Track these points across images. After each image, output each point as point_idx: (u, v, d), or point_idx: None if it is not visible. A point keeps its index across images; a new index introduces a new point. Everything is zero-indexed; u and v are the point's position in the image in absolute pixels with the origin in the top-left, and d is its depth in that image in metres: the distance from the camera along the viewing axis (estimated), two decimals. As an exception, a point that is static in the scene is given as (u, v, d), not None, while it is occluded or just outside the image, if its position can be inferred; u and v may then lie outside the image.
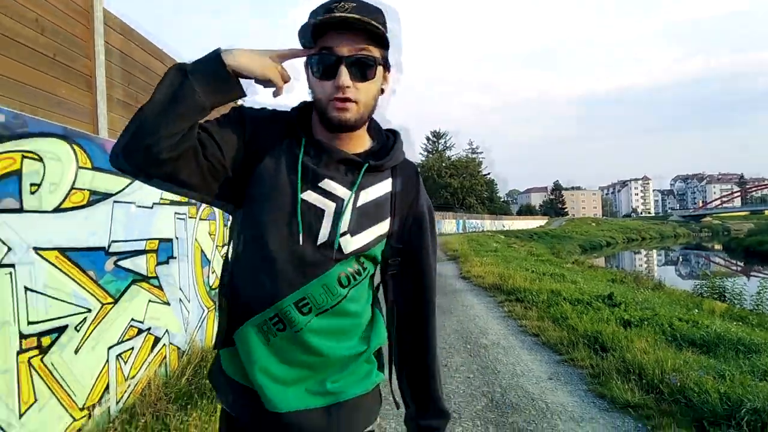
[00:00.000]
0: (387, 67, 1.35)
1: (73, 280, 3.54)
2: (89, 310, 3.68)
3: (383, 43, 1.30)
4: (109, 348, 3.95)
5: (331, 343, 1.35)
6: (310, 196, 1.32)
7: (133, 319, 4.29)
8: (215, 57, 1.21)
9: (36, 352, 3.21)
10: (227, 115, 1.37)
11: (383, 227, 1.38)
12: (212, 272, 6.06)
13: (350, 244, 1.33)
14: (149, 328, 4.55)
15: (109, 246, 3.96)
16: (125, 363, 4.16)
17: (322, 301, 1.32)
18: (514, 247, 30.56)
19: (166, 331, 4.86)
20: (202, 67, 1.20)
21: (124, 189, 4.17)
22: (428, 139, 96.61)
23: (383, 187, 1.39)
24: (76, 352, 3.54)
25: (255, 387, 1.33)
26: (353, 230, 1.34)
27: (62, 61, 3.79)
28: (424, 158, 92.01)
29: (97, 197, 3.81)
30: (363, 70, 1.28)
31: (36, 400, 3.17)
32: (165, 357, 4.82)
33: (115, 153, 1.20)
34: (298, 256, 1.30)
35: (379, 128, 1.48)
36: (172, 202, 5.07)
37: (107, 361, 3.92)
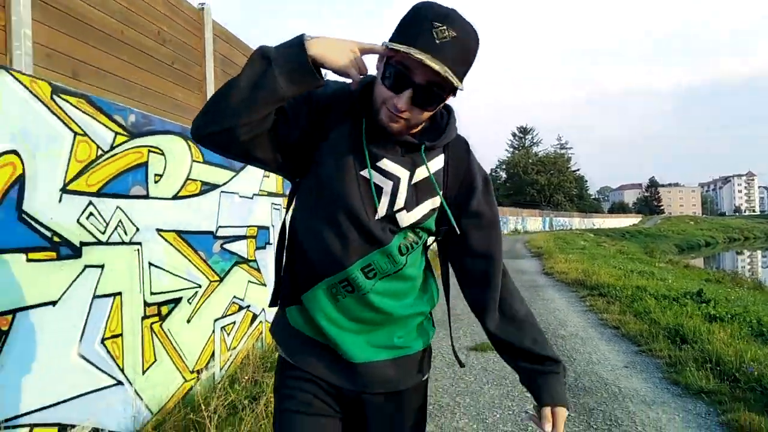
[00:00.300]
0: (454, 93, 1.33)
1: (187, 258, 4.09)
2: (199, 286, 4.22)
3: (463, 75, 1.29)
4: (215, 320, 4.49)
5: (394, 303, 1.49)
6: (366, 172, 1.41)
7: (235, 297, 4.83)
8: (299, 45, 1.21)
9: (156, 318, 3.75)
10: (298, 105, 1.42)
11: (436, 201, 1.46)
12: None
13: (406, 218, 1.43)
14: (248, 306, 5.08)
15: (216, 230, 4.50)
16: (228, 335, 4.69)
17: (385, 267, 1.46)
18: (604, 246, 29.65)
19: (263, 309, 5.39)
20: (286, 56, 1.21)
21: (229, 181, 4.71)
22: (514, 135, 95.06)
23: (436, 164, 1.46)
24: (188, 321, 4.08)
25: (329, 340, 1.48)
26: (408, 206, 1.43)
27: (179, 68, 4.35)
28: (509, 154, 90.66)
29: (207, 187, 4.36)
30: (428, 100, 1.29)
31: (155, 360, 3.72)
32: (261, 332, 5.35)
33: (197, 129, 1.27)
34: (363, 229, 1.41)
35: None
36: (269, 194, 5.60)
37: (213, 332, 4.46)
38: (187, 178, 4.09)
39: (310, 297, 1.47)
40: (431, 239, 1.57)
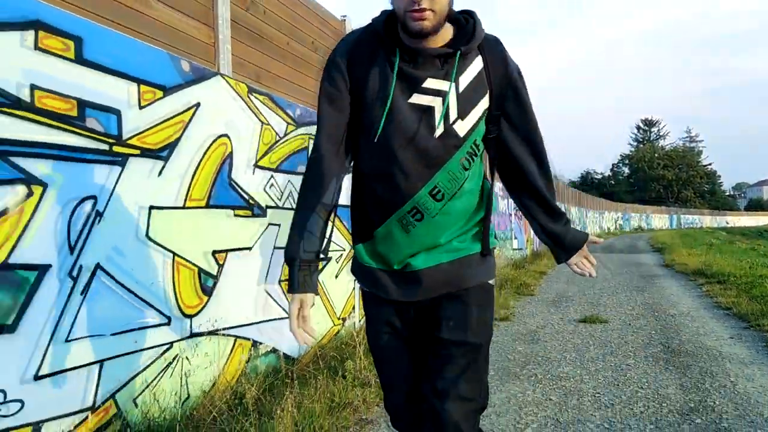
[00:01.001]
0: None
1: (337, 228, 5.02)
2: (344, 250, 5.13)
3: None
4: (354, 280, 5.39)
5: (459, 215, 1.61)
6: (417, 98, 1.50)
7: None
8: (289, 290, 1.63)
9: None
10: (329, 82, 1.59)
11: (485, 102, 1.56)
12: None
13: (463, 127, 1.52)
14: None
15: (355, 205, 5.42)
16: (364, 294, 5.59)
17: (451, 186, 1.55)
18: (736, 244, 27.85)
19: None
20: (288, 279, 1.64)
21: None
22: (638, 128, 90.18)
23: (476, 67, 1.55)
24: (336, 276, 5.00)
25: (396, 264, 1.62)
26: (462, 114, 1.52)
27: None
28: (633, 149, 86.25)
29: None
30: None
31: (313, 304, 4.65)
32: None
33: None
34: (422, 153, 1.51)
35: (455, 14, 1.57)
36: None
37: (353, 289, 5.36)
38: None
39: (383, 232, 1.61)
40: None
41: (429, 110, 1.49)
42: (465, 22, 1.56)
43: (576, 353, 4.95)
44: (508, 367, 4.54)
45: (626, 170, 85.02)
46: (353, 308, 5.33)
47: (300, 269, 1.56)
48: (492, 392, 3.84)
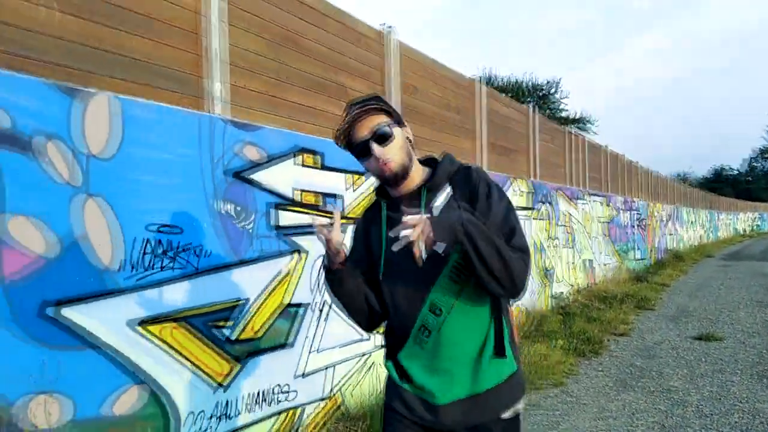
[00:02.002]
0: (401, 124, 1.76)
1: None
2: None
3: (384, 113, 1.71)
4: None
5: (465, 336, 1.74)
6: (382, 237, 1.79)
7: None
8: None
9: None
10: (352, 243, 1.92)
11: None
12: (546, 258, 8.27)
13: (440, 246, 1.63)
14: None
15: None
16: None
17: (446, 300, 1.72)
18: None
19: (518, 295, 7.21)
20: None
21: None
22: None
23: (444, 194, 1.77)
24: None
25: (417, 388, 1.78)
26: None
27: (459, 123, 6.38)
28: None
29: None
30: (382, 138, 1.68)
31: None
32: (514, 315, 7.18)
33: None
34: (414, 278, 1.72)
35: (426, 159, 1.87)
36: (519, 208, 7.41)
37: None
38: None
39: (404, 354, 1.81)
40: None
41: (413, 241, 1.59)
42: (435, 164, 1.83)
43: (687, 369, 5.65)
44: (624, 379, 5.37)
45: (765, 165, 78.24)
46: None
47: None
48: (609, 400, 4.75)
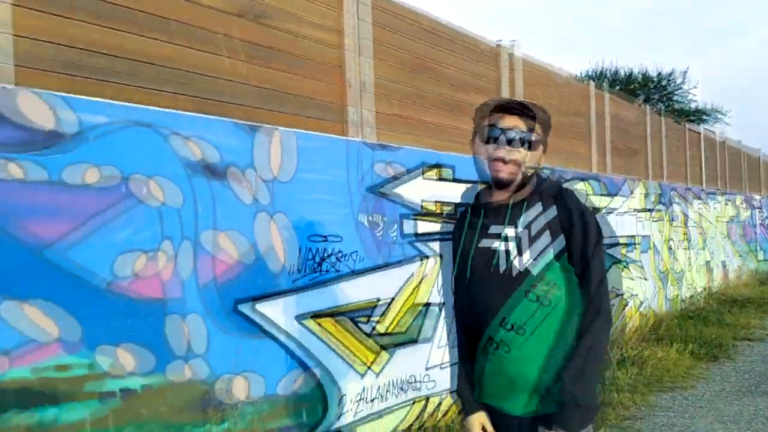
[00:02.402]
0: (537, 145, 1.73)
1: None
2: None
3: (535, 128, 1.72)
4: (602, 301, 6.54)
5: (537, 355, 1.69)
6: (484, 242, 1.76)
7: (612, 289, 6.79)
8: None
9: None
10: (452, 249, 1.91)
11: (545, 240, 1.71)
12: (661, 259, 8.17)
13: (521, 263, 1.68)
14: (621, 294, 6.97)
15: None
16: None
17: (519, 317, 1.69)
18: None
19: (632, 301, 7.22)
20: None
21: (607, 205, 6.70)
22: None
23: (536, 210, 1.74)
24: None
25: (489, 398, 1.80)
26: (521, 252, 1.71)
27: (576, 128, 6.51)
28: None
29: (596, 211, 6.43)
30: (520, 141, 1.68)
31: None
32: (635, 319, 7.20)
33: None
34: (490, 288, 1.73)
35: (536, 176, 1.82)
36: (635, 210, 7.40)
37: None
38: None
39: (476, 360, 1.82)
40: (566, 281, 1.73)
41: (493, 252, 1.72)
42: (527, 181, 1.78)
43: None
44: (744, 385, 5.31)
45: None
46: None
47: (466, 398, 1.86)
48: (729, 404, 4.75)
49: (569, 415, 1.61)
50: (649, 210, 7.85)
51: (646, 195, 7.81)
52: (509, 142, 1.68)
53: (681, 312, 8.23)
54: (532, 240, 1.71)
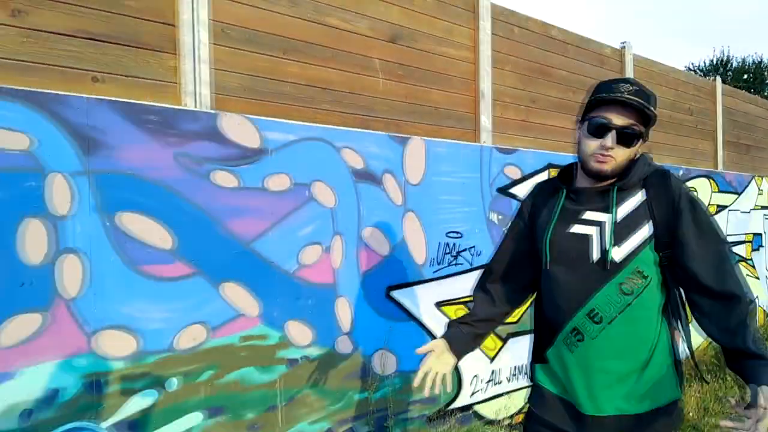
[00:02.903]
0: (644, 139, 1.64)
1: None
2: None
3: (647, 122, 1.61)
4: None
5: (621, 353, 1.61)
6: (576, 228, 1.65)
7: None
8: None
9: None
10: (515, 217, 1.90)
11: (645, 231, 1.61)
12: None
13: (619, 253, 1.59)
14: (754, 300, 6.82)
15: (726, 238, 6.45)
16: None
17: (610, 310, 1.59)
18: None
19: (754, 299, 7.02)
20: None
21: (733, 202, 6.57)
22: None
23: (637, 199, 1.64)
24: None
25: (566, 392, 1.69)
26: (618, 241, 1.60)
27: (694, 125, 6.43)
28: None
29: (720, 209, 6.34)
30: (627, 138, 1.58)
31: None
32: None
33: None
34: (580, 277, 1.63)
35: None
36: (762, 207, 7.16)
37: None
38: (708, 203, 6.17)
39: (553, 352, 1.72)
40: (660, 276, 1.65)
41: (587, 238, 1.64)
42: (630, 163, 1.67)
43: None
44: None
45: None
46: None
47: (448, 328, 1.91)
48: None
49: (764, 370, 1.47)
50: (778, 207, 7.54)
51: (775, 192, 7.52)
52: (619, 139, 1.58)
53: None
54: (631, 230, 1.62)
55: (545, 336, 1.75)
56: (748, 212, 6.92)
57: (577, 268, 1.64)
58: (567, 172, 1.78)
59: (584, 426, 1.65)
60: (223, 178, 2.61)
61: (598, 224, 1.63)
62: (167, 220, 2.43)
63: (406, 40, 3.58)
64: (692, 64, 25.90)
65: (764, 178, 7.35)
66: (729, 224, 6.52)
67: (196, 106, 2.63)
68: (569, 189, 1.71)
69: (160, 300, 2.41)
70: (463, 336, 1.83)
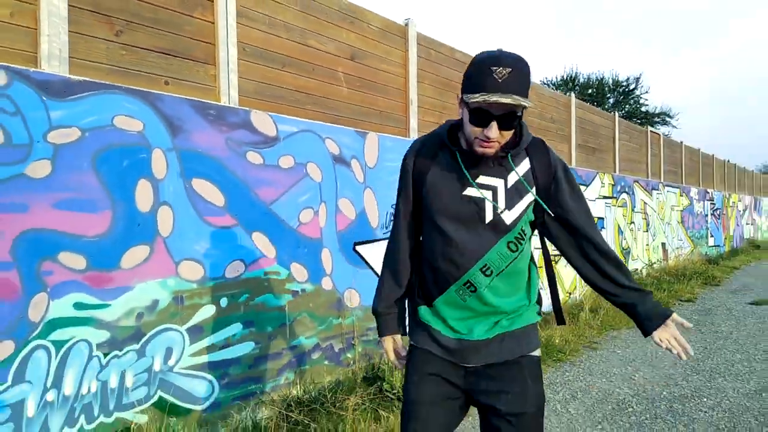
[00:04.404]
0: (524, 109, 1.66)
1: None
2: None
3: (525, 94, 1.63)
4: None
5: (504, 296, 1.82)
6: (470, 192, 1.76)
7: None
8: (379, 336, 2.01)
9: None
10: (401, 178, 1.92)
11: (530, 197, 1.79)
12: (624, 238, 9.94)
13: (509, 216, 1.75)
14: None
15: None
16: (580, 278, 8.41)
17: (499, 264, 1.78)
18: None
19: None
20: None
21: (583, 192, 8.42)
22: None
23: (524, 166, 1.80)
24: (565, 265, 7.91)
25: (455, 331, 1.84)
26: (509, 206, 1.76)
27: (559, 132, 8.17)
28: None
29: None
30: (509, 124, 1.64)
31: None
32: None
33: None
34: (477, 236, 1.76)
35: None
36: (604, 197, 9.14)
37: (575, 276, 8.21)
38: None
39: (443, 299, 1.84)
40: (534, 231, 1.89)
41: (481, 202, 1.74)
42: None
43: (735, 321, 7.28)
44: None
45: None
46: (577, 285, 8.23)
47: (382, 318, 1.98)
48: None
49: (657, 305, 1.81)
50: (614, 197, 9.62)
51: (612, 185, 9.56)
52: (500, 125, 1.62)
53: (640, 280, 10.02)
54: (520, 195, 1.77)
55: (436, 286, 1.84)
56: (594, 200, 8.85)
57: (471, 228, 1.76)
58: (453, 132, 1.83)
59: (470, 351, 1.81)
60: (253, 157, 3.62)
61: (492, 188, 1.76)
62: (220, 185, 3.41)
63: (361, 58, 4.74)
64: (546, 78, 29.45)
65: (605, 174, 9.35)
66: (580, 209, 8.35)
67: (228, 104, 3.61)
68: (462, 151, 1.77)
69: (216, 242, 3.38)
70: (394, 321, 2.00)
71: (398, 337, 1.99)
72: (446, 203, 1.77)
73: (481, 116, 1.61)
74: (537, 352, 1.86)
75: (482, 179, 1.75)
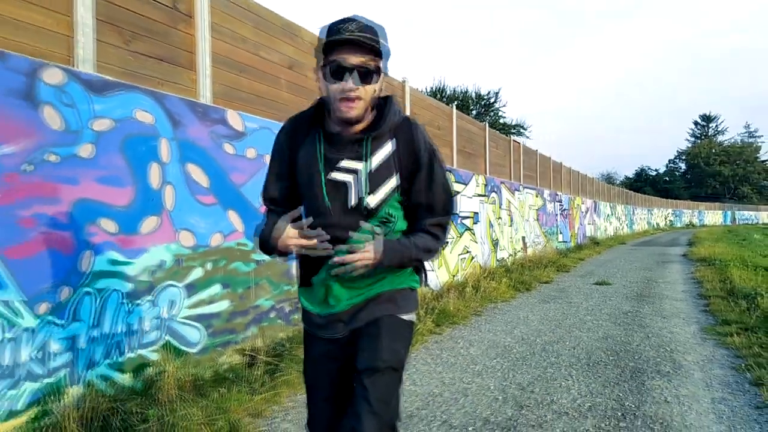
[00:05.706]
0: (383, 73, 1.72)
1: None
2: (452, 237, 9.37)
3: (379, 55, 1.66)
4: (459, 254, 9.63)
5: (370, 276, 1.83)
6: (334, 175, 1.76)
7: (464, 246, 9.94)
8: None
9: (439, 250, 8.99)
10: (272, 156, 1.93)
11: (393, 181, 1.79)
12: (493, 231, 11.58)
13: (373, 200, 1.76)
14: (469, 251, 10.18)
15: (458, 213, 9.64)
16: (462, 263, 9.82)
17: (360, 244, 1.76)
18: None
19: (474, 255, 10.46)
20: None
21: (463, 190, 9.83)
22: (696, 123, 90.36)
23: (387, 149, 1.78)
24: (450, 251, 9.25)
25: (324, 307, 1.88)
26: (372, 190, 1.76)
27: (444, 138, 9.51)
28: (690, 144, 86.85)
29: (456, 194, 9.53)
30: (367, 75, 1.66)
31: (441, 265, 8.91)
32: (474, 267, 10.44)
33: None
34: (339, 221, 1.77)
35: (379, 100, 1.80)
36: (479, 195, 10.66)
37: (458, 261, 9.60)
38: (450, 189, 9.26)
39: (317, 279, 1.88)
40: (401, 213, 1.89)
41: (344, 186, 1.74)
42: (382, 107, 1.80)
43: (584, 295, 9.04)
44: (544, 299, 8.68)
45: (683, 166, 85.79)
46: (457, 271, 9.60)
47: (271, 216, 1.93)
48: (534, 307, 8.01)
49: (382, 245, 1.76)
50: (486, 195, 11.22)
51: (485, 185, 11.14)
52: (355, 79, 1.64)
53: (504, 267, 11.73)
54: (383, 179, 1.77)
55: (312, 266, 1.87)
56: (471, 197, 10.32)
57: (335, 213, 1.77)
58: (319, 110, 1.84)
59: (329, 324, 1.89)
60: (228, 148, 4.39)
61: (354, 172, 1.75)
62: (206, 169, 4.15)
63: (297, 68, 5.61)
64: (418, 88, 31.52)
65: (480, 175, 10.88)
66: (461, 204, 9.76)
67: (207, 103, 4.34)
68: (325, 132, 1.79)
69: (203, 216, 4.11)
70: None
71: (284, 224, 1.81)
72: (310, 187, 1.80)
73: (337, 69, 1.65)
74: (406, 316, 1.89)
75: (345, 163, 1.77)
